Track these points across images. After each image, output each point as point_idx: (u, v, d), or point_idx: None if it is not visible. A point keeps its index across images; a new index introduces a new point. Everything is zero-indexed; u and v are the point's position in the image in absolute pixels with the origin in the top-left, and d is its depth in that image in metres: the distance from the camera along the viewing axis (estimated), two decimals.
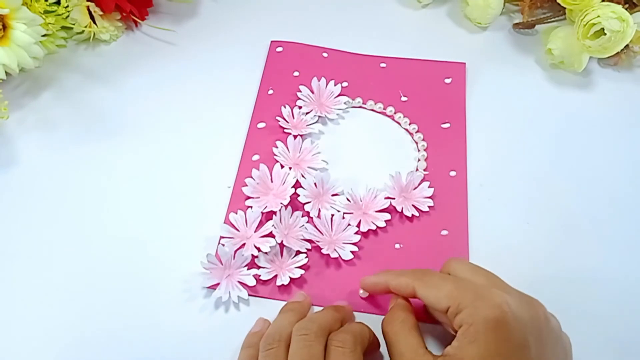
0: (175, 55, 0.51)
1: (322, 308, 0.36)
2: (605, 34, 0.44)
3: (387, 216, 0.40)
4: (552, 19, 0.52)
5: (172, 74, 0.50)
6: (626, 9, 0.45)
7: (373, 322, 0.37)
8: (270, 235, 0.39)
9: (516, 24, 0.53)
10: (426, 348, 0.31)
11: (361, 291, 0.37)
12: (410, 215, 0.41)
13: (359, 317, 0.37)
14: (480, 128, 0.46)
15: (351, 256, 0.38)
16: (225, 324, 0.37)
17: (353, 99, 0.48)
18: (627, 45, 0.47)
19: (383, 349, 0.34)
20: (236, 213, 0.40)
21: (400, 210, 0.41)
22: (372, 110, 0.47)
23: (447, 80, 0.48)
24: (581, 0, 0.46)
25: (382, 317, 0.37)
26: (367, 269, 0.39)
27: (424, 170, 0.43)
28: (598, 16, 0.44)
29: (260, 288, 0.38)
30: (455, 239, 0.40)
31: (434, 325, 0.36)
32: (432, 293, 0.32)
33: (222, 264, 0.38)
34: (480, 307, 0.30)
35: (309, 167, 0.43)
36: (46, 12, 0.47)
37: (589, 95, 0.48)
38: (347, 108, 0.47)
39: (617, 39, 0.44)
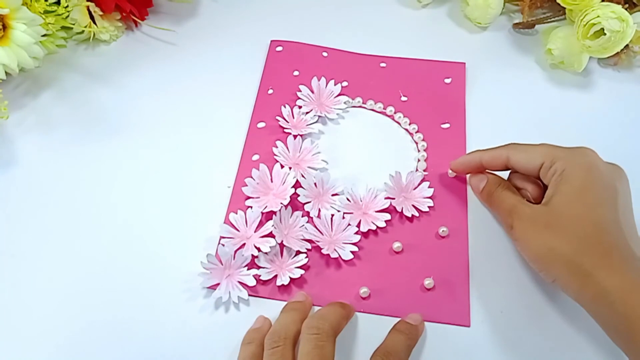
0: (175, 55, 0.51)
1: (326, 304, 0.36)
2: (605, 34, 0.44)
3: (387, 216, 0.40)
4: (552, 19, 0.52)
5: (172, 74, 0.50)
6: (626, 9, 0.45)
7: (373, 322, 0.37)
8: (270, 235, 0.39)
9: (516, 23, 0.53)
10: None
11: (362, 290, 0.37)
12: (410, 215, 0.41)
13: (359, 317, 0.37)
14: (480, 128, 0.46)
15: (351, 256, 0.38)
16: (225, 324, 0.37)
17: (353, 99, 0.48)
18: (627, 45, 0.47)
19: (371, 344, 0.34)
20: (236, 213, 0.40)
21: (400, 210, 0.41)
22: (372, 110, 0.47)
23: (447, 80, 0.48)
24: (581, 0, 0.46)
25: (383, 317, 0.37)
26: (367, 269, 0.39)
27: (424, 170, 0.43)
28: (598, 16, 0.44)
29: (260, 288, 0.38)
30: (455, 239, 0.40)
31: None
32: (526, 154, 0.37)
33: (222, 264, 0.38)
34: (574, 156, 0.35)
35: (309, 167, 0.43)
36: (46, 12, 0.47)
37: (589, 95, 0.48)
38: (347, 108, 0.47)
39: (617, 39, 0.44)
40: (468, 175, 0.42)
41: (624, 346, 0.31)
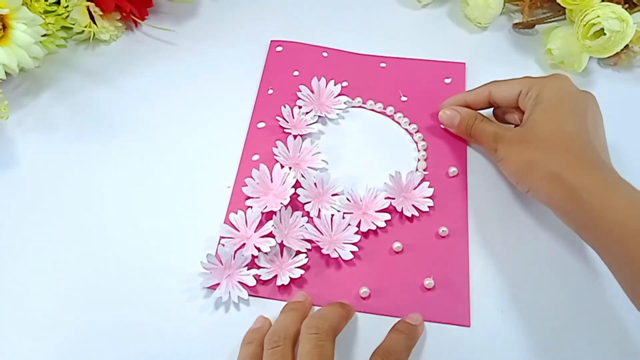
0: (175, 55, 0.51)
1: (326, 304, 0.36)
2: (605, 34, 0.44)
3: (387, 216, 0.40)
4: (552, 19, 0.52)
5: (172, 74, 0.50)
6: (626, 9, 0.45)
7: (373, 322, 0.37)
8: (270, 235, 0.39)
9: (516, 23, 0.53)
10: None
11: (362, 290, 0.37)
12: (410, 215, 0.41)
13: (359, 317, 0.37)
14: None
15: (351, 256, 0.38)
16: (225, 324, 0.37)
17: (353, 99, 0.48)
18: (627, 45, 0.47)
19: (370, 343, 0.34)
20: (236, 213, 0.40)
21: (400, 210, 0.41)
22: (372, 110, 0.47)
23: (447, 80, 0.48)
24: (581, 0, 0.46)
25: (383, 317, 0.37)
26: (367, 269, 0.39)
27: (424, 170, 0.43)
28: (598, 16, 0.44)
29: (260, 288, 0.38)
30: (455, 239, 0.40)
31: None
32: (506, 86, 0.41)
33: (222, 264, 0.38)
34: (547, 81, 0.39)
35: (309, 167, 0.43)
36: (46, 12, 0.47)
37: None
38: (347, 108, 0.47)
39: (616, 39, 0.44)
40: (440, 113, 0.44)
41: (591, 240, 0.34)
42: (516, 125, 0.42)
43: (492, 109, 0.44)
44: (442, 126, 0.45)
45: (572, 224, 0.35)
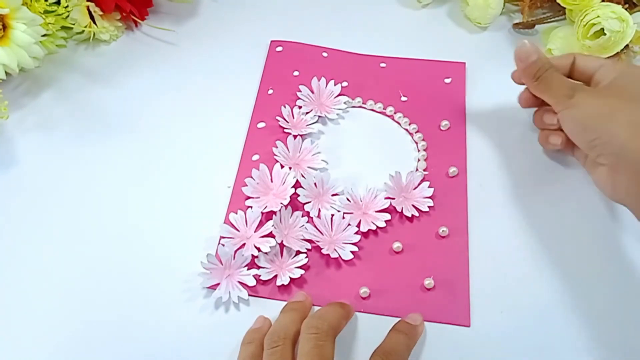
0: (176, 55, 0.51)
1: (326, 304, 0.36)
2: (605, 34, 0.44)
3: (387, 216, 0.40)
4: (552, 19, 0.52)
5: (172, 74, 0.50)
6: (626, 9, 0.45)
7: (373, 322, 0.37)
8: (270, 235, 0.39)
9: (516, 23, 0.52)
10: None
11: (362, 290, 0.37)
12: (410, 215, 0.41)
13: (359, 317, 0.37)
14: (480, 128, 0.46)
15: (351, 256, 0.38)
16: (225, 324, 0.37)
17: (353, 99, 0.48)
18: (627, 46, 0.46)
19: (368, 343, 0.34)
20: (236, 213, 0.40)
21: (400, 210, 0.41)
22: (372, 110, 0.47)
23: (447, 80, 0.48)
24: (581, 0, 0.46)
25: (383, 317, 0.37)
26: (367, 269, 0.39)
27: (424, 170, 0.43)
28: (598, 16, 0.44)
29: (260, 288, 0.38)
30: (455, 239, 0.40)
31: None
32: (592, 58, 0.40)
33: (222, 264, 0.38)
34: (629, 67, 0.39)
35: (308, 167, 0.43)
36: (46, 12, 0.47)
37: None
38: (347, 108, 0.47)
39: (616, 39, 0.44)
40: (519, 43, 0.40)
41: None
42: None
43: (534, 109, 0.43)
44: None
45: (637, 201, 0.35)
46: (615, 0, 0.47)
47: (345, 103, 0.47)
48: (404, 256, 0.39)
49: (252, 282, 0.38)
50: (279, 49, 0.51)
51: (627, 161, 0.34)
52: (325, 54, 0.50)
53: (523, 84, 0.42)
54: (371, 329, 0.36)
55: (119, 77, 0.49)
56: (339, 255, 0.39)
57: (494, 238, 0.40)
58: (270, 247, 0.38)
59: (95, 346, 0.36)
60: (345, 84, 0.48)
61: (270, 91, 0.48)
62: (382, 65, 0.50)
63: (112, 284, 0.38)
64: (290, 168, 0.42)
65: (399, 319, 0.36)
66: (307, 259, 0.39)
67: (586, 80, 0.40)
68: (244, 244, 0.39)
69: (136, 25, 0.53)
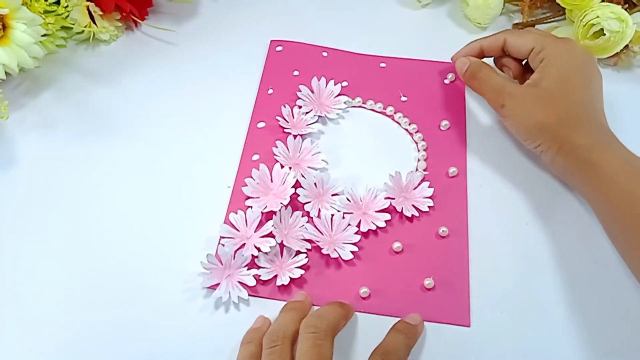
0: (175, 55, 0.51)
1: (326, 304, 0.36)
2: (604, 35, 0.44)
3: (387, 216, 0.40)
4: (552, 19, 0.52)
5: (172, 73, 0.50)
6: (625, 9, 0.45)
7: (373, 322, 0.37)
8: (270, 235, 0.39)
9: (516, 24, 0.53)
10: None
11: (362, 290, 0.37)
12: (410, 215, 0.41)
13: (359, 317, 0.37)
14: (480, 128, 0.46)
15: (351, 256, 0.38)
16: (225, 324, 0.37)
17: (353, 99, 0.48)
18: (626, 46, 0.47)
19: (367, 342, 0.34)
20: (236, 213, 0.40)
21: (400, 210, 0.41)
22: (372, 110, 0.47)
23: (447, 80, 0.48)
24: (581, 1, 0.46)
25: (382, 317, 0.37)
26: (367, 269, 0.39)
27: (424, 170, 0.43)
28: (597, 17, 0.44)
29: (260, 288, 0.38)
30: (455, 239, 0.40)
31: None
32: (521, 39, 0.43)
33: (222, 264, 0.38)
34: (559, 44, 0.41)
35: (309, 167, 0.43)
36: (46, 12, 0.47)
37: None
38: (347, 108, 0.47)
39: (616, 40, 0.44)
40: (454, 56, 0.47)
41: (587, 193, 0.39)
42: (519, 81, 0.44)
43: (492, 59, 0.47)
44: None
45: (572, 177, 0.40)
46: (615, 1, 0.47)
47: (345, 103, 0.47)
48: (404, 256, 0.39)
49: (252, 282, 0.38)
50: (279, 48, 0.51)
51: (557, 164, 0.40)
52: (325, 54, 0.50)
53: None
54: (371, 329, 0.36)
55: (119, 77, 0.49)
56: (339, 255, 0.39)
57: (494, 238, 0.40)
58: (270, 247, 0.38)
59: (95, 346, 0.36)
60: (345, 83, 0.48)
61: (270, 91, 0.48)
62: (382, 65, 0.50)
63: (112, 283, 0.38)
64: (290, 168, 0.42)
65: (398, 319, 0.36)
66: (307, 259, 0.39)
67: (520, 57, 0.44)
68: (244, 244, 0.39)
69: (136, 25, 0.53)
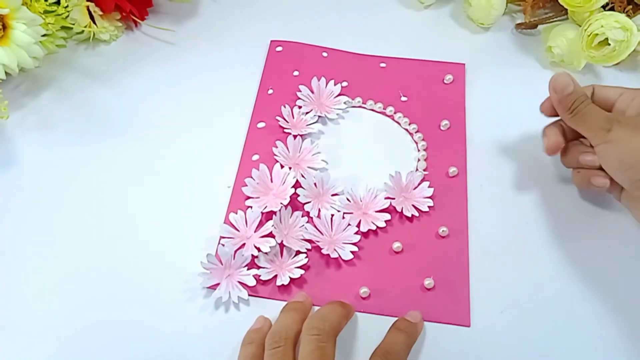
0: (175, 55, 0.51)
1: (327, 304, 0.36)
2: (609, 44, 0.44)
3: (387, 216, 0.40)
4: (554, 19, 0.52)
5: (172, 74, 0.50)
6: (629, 11, 0.45)
7: (373, 322, 0.37)
8: (270, 235, 0.39)
9: (519, 24, 0.52)
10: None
11: (362, 290, 0.37)
12: (410, 215, 0.41)
13: (359, 317, 0.37)
14: (480, 128, 0.46)
15: (351, 256, 0.38)
16: (225, 324, 0.37)
17: (353, 99, 0.48)
18: None
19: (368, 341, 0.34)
20: (236, 213, 0.40)
21: (400, 210, 0.41)
22: (372, 110, 0.47)
23: (447, 81, 0.48)
24: (583, 2, 0.46)
25: (383, 317, 0.37)
26: (367, 269, 0.39)
27: (424, 170, 0.43)
28: (602, 26, 0.44)
29: (260, 288, 0.38)
30: (455, 239, 0.40)
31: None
32: (611, 87, 0.39)
33: (222, 264, 0.38)
34: None
35: (308, 167, 0.43)
36: (46, 12, 0.47)
37: None
38: (347, 108, 0.47)
39: (621, 49, 0.44)
40: (555, 74, 0.39)
41: None
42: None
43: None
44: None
45: None
46: (618, 2, 0.47)
47: (345, 103, 0.47)
48: (404, 256, 0.39)
49: (252, 282, 0.38)
50: (279, 49, 0.51)
51: None
52: (325, 54, 0.50)
53: (554, 115, 0.40)
54: (371, 329, 0.36)
55: (119, 77, 0.49)
56: (339, 255, 0.39)
57: (494, 238, 0.40)
58: (270, 247, 0.38)
59: (95, 346, 0.36)
60: (345, 84, 0.48)
61: (270, 91, 0.48)
62: (382, 65, 0.50)
63: (112, 283, 0.38)
64: (290, 168, 0.42)
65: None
66: (307, 259, 0.39)
67: (605, 107, 0.38)
68: (244, 244, 0.39)
69: (136, 25, 0.53)
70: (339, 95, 0.48)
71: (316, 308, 0.37)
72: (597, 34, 0.44)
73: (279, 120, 0.45)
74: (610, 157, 0.36)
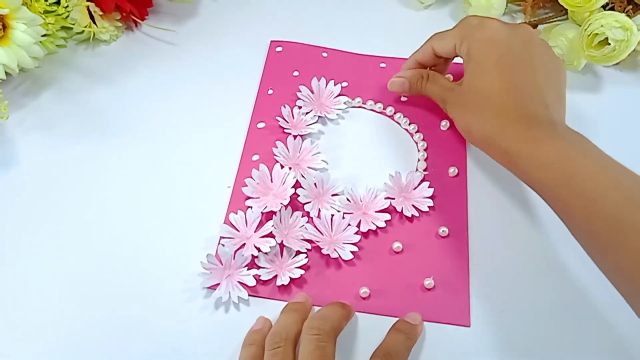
0: (175, 55, 0.51)
1: (327, 304, 0.36)
2: (609, 44, 0.44)
3: (387, 216, 0.40)
4: (554, 19, 0.52)
5: (172, 74, 0.50)
6: (629, 10, 0.45)
7: (373, 322, 0.37)
8: (270, 235, 0.39)
9: (519, 24, 0.52)
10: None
11: (362, 290, 0.37)
12: (410, 215, 0.41)
13: (359, 317, 0.37)
14: None
15: (351, 256, 0.38)
16: (225, 324, 0.37)
17: (353, 99, 0.48)
18: None
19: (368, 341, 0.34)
20: (236, 213, 0.40)
21: (400, 211, 0.41)
22: (372, 110, 0.47)
23: None
24: (583, 2, 0.46)
25: (383, 317, 0.37)
26: (367, 269, 0.39)
27: (424, 170, 0.43)
28: (602, 26, 0.44)
29: (260, 288, 0.38)
30: (455, 239, 0.40)
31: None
32: (444, 40, 0.40)
33: (222, 264, 0.38)
34: (475, 33, 0.37)
35: (308, 167, 0.43)
36: (46, 12, 0.47)
37: (591, 96, 0.48)
38: (347, 108, 0.47)
39: (621, 48, 0.44)
40: (388, 83, 0.44)
41: (542, 193, 0.34)
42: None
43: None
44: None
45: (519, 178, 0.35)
46: (618, 2, 0.47)
47: (345, 103, 0.47)
48: (404, 256, 0.39)
49: (252, 282, 0.38)
50: (279, 49, 0.51)
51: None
52: (325, 54, 0.50)
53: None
54: (371, 329, 0.36)
55: (119, 77, 0.49)
56: (339, 256, 0.39)
57: (494, 238, 0.40)
58: (270, 247, 0.38)
59: (95, 346, 0.36)
60: (345, 84, 0.48)
61: (270, 91, 0.48)
62: (382, 65, 0.50)
63: (112, 283, 0.38)
64: (290, 168, 0.42)
65: (398, 319, 0.36)
66: (307, 259, 0.39)
67: (453, 57, 0.41)
68: (244, 244, 0.39)
69: (136, 25, 0.53)
70: (339, 95, 0.48)
71: (316, 308, 0.37)
72: (597, 34, 0.45)
73: (279, 121, 0.45)
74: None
